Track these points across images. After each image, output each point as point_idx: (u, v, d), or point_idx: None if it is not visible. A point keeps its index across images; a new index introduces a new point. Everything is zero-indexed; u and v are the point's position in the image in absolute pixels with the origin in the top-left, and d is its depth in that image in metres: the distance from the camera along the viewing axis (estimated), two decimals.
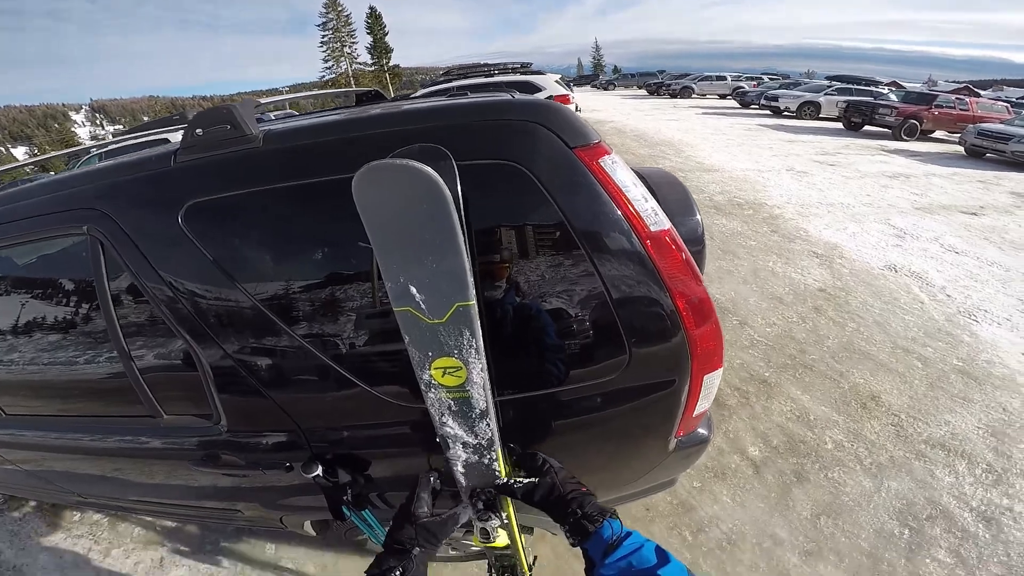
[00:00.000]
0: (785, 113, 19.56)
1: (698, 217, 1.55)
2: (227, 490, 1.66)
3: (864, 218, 6.38)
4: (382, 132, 1.12)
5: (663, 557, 0.82)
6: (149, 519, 2.57)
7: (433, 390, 0.99)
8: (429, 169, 0.80)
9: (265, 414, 1.33)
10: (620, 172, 1.10)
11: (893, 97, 17.18)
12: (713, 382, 1.30)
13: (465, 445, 1.06)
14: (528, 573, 1.52)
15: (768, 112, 20.57)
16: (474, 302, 0.88)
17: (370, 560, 2.20)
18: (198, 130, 1.16)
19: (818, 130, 15.62)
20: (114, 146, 5.56)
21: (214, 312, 1.22)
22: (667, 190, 1.58)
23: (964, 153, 11.85)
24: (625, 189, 1.08)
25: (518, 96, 1.37)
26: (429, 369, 0.96)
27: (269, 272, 1.20)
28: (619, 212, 1.07)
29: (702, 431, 1.53)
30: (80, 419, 1.63)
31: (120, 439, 1.58)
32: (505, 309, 1.14)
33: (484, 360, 0.95)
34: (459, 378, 0.96)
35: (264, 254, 1.20)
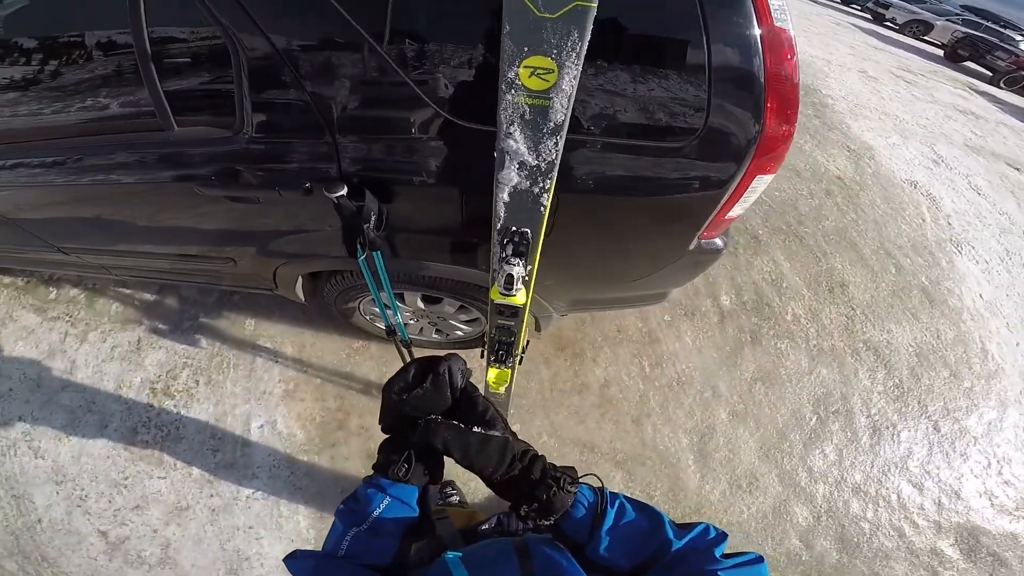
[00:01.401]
0: (888, 23, 17.23)
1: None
2: (227, 231, 1.58)
3: (911, 135, 6.13)
4: None
5: (649, 512, 0.71)
6: (127, 292, 2.44)
7: (513, 91, 0.90)
8: None
9: (300, 118, 1.21)
10: None
11: (1023, 46, 15.19)
12: (759, 187, 1.29)
13: (522, 166, 0.98)
14: (520, 355, 1.52)
15: (868, 16, 18.06)
16: (595, 5, 0.80)
17: (345, 342, 2.14)
18: None
19: (914, 49, 14.00)
20: None
21: (267, 5, 1.11)
22: None
23: None
24: None
25: None
26: (518, 66, 0.87)
27: None
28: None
29: (719, 241, 1.53)
30: (76, 141, 1.41)
31: (116, 160, 1.40)
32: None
33: (579, 70, 0.87)
34: (547, 81, 0.88)
35: None
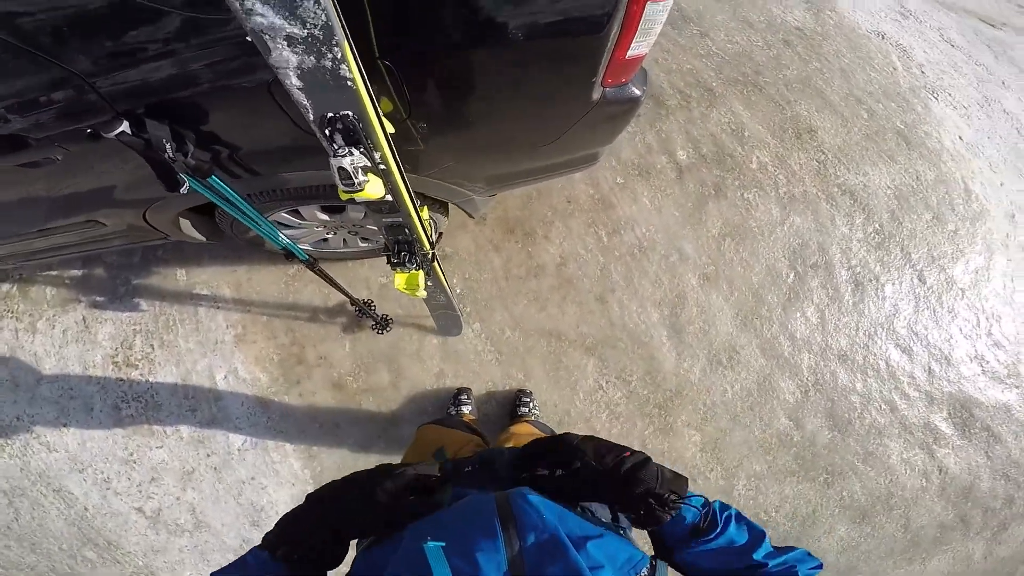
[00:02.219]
0: None
1: None
2: (62, 198, 1.42)
3: None
4: None
5: (751, 531, 0.70)
6: (55, 273, 2.39)
7: None
8: None
9: (33, 65, 0.96)
10: None
11: None
12: (657, 17, 1.08)
13: (291, 41, 0.75)
14: (430, 252, 1.38)
15: None
16: None
17: (281, 269, 2.13)
18: None
19: None
20: None
21: None
22: None
23: None
24: None
25: None
26: None
27: None
28: None
29: (634, 89, 1.34)
30: None
31: None
32: None
33: None
34: None
35: None
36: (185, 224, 1.70)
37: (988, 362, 2.65)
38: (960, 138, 3.60)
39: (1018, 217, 3.25)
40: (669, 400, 2.21)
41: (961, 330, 2.69)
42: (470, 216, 1.92)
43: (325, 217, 1.74)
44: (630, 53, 1.15)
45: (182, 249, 2.33)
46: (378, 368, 2.22)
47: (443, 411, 2.15)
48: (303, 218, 1.74)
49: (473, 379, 2.23)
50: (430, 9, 0.96)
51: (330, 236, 1.94)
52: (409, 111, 1.16)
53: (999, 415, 2.53)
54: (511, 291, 2.26)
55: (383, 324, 2.16)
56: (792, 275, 2.49)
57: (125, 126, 1.02)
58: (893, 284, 2.65)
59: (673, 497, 0.69)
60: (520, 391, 2.18)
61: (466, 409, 2.08)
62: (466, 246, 2.29)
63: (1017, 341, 2.80)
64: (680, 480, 0.72)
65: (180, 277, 2.32)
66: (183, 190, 1.13)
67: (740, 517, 0.72)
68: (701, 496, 0.73)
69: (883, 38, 4.49)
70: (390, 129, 1.00)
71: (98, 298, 2.34)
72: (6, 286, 2.41)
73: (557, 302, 2.26)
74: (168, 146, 1.05)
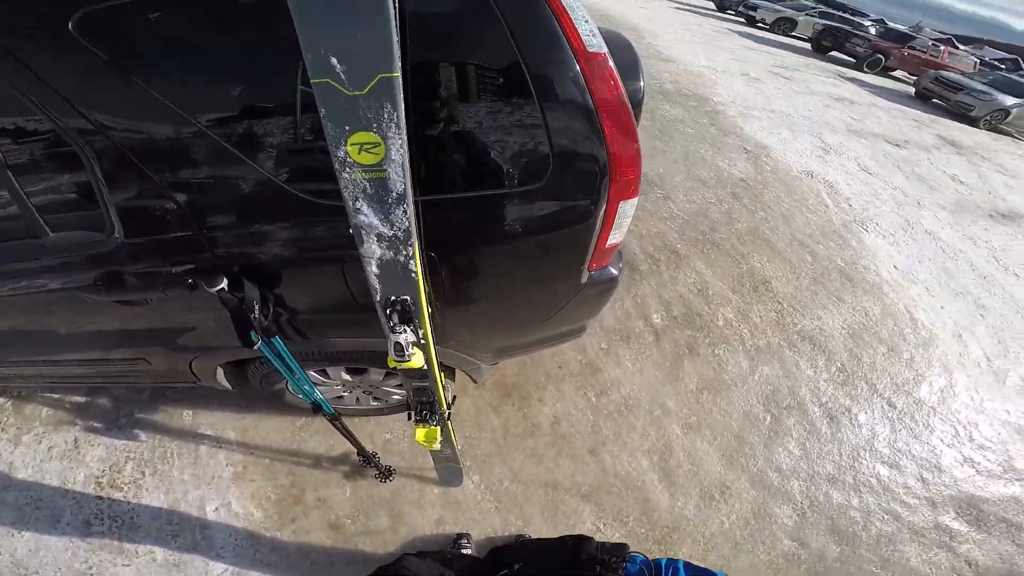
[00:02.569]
0: (759, 24, 18.96)
1: (641, 84, 1.59)
2: (129, 332, 1.54)
3: (799, 129, 6.62)
4: None
5: (704, 573, 0.79)
6: (56, 396, 2.38)
7: (348, 169, 0.92)
8: None
9: (163, 216, 1.20)
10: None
11: (872, 31, 17.30)
12: (627, 211, 1.35)
13: (380, 238, 1.00)
14: (447, 412, 1.55)
15: (743, 20, 19.79)
16: (399, 74, 0.83)
17: (289, 420, 2.15)
18: None
19: (786, 46, 15.53)
20: None
21: (105, 106, 1.10)
22: (618, 51, 1.53)
23: (913, 94, 12.38)
24: (570, 8, 1.10)
25: None
26: (345, 145, 0.89)
27: (164, 60, 1.09)
28: (560, 28, 1.09)
29: (612, 270, 1.60)
30: None
31: (3, 270, 1.38)
32: (439, 105, 1.12)
33: (404, 137, 0.89)
34: (376, 155, 0.90)
35: (164, 50, 1.09)
36: (220, 373, 1.77)
37: (979, 463, 2.75)
38: (895, 267, 3.99)
39: (964, 336, 3.56)
40: (667, 535, 2.19)
41: (943, 440, 2.81)
42: (474, 381, 2.06)
43: (348, 377, 1.88)
44: (609, 242, 1.40)
45: (194, 392, 2.32)
46: (378, 512, 2.16)
47: None
48: (328, 377, 1.87)
49: (473, 525, 2.20)
50: (462, 212, 1.23)
51: (345, 394, 2.06)
52: (443, 294, 1.37)
53: (1011, 506, 2.58)
54: (509, 447, 2.34)
55: (387, 473, 2.18)
56: (768, 417, 2.61)
57: (225, 283, 1.17)
58: (865, 413, 2.80)
59: (615, 559, 0.79)
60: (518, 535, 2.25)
61: (466, 552, 2.09)
62: (467, 408, 2.39)
63: (1001, 441, 2.94)
64: (620, 545, 0.83)
65: (186, 417, 2.32)
66: (256, 347, 1.28)
67: (689, 567, 0.79)
68: (643, 555, 0.82)
69: (812, 176, 5.12)
70: (428, 310, 1.19)
71: (95, 424, 2.30)
72: (1, 399, 2.38)
73: (552, 456, 2.34)
74: (256, 306, 1.22)
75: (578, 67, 1.11)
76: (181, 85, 1.10)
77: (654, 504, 2.27)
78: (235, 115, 1.13)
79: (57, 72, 1.07)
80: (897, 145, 7.22)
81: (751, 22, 19.26)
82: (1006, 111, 11.05)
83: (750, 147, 5.53)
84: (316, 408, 1.66)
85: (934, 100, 11.96)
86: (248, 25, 1.08)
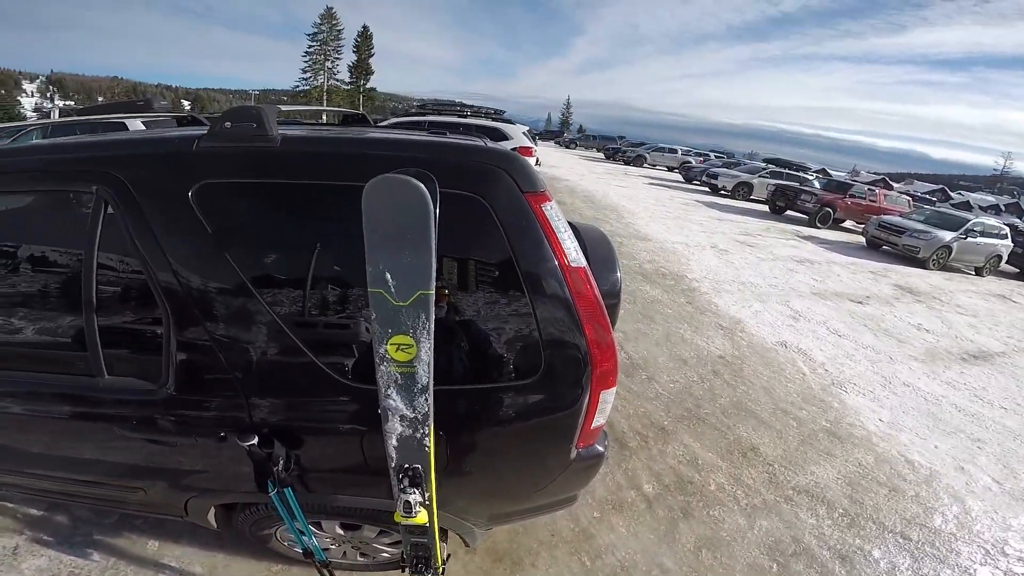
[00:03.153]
0: (722, 192, 20.89)
1: (618, 275, 1.82)
2: (140, 466, 1.65)
3: (768, 298, 7.20)
4: (380, 154, 1.45)
5: None
6: (9, 505, 2.35)
7: (385, 363, 1.17)
8: (422, 186, 1.03)
9: (216, 381, 1.43)
10: (555, 216, 1.41)
11: (817, 184, 18.85)
12: (608, 399, 1.56)
13: (403, 418, 1.23)
14: (441, 567, 1.71)
15: (707, 189, 21.87)
16: (433, 292, 1.11)
17: (264, 565, 2.19)
18: (227, 123, 1.37)
19: (746, 211, 17.11)
20: (59, 124, 5.35)
21: (199, 280, 1.36)
22: (596, 245, 1.84)
23: (865, 244, 13.25)
24: (557, 230, 1.39)
25: (488, 143, 1.65)
26: (386, 344, 1.14)
27: (259, 253, 1.41)
28: (549, 246, 1.37)
29: (599, 447, 1.75)
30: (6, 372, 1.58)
31: (44, 398, 1.56)
32: (452, 311, 1.40)
33: (431, 341, 1.14)
34: (409, 354, 1.15)
35: (259, 237, 1.42)
36: (212, 513, 1.83)
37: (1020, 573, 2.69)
38: (880, 420, 4.15)
39: (967, 468, 3.60)
40: None
41: (974, 560, 2.73)
42: (466, 544, 2.09)
43: (340, 532, 1.94)
44: (594, 425, 1.58)
45: (164, 524, 2.30)
46: None
47: None
48: (322, 529, 1.92)
49: None
50: (469, 400, 1.47)
51: (333, 547, 2.08)
52: (447, 464, 1.50)
53: None
54: None
55: None
56: (775, 566, 2.55)
57: (256, 440, 1.34)
58: (880, 548, 2.74)
59: None
60: None
61: None
62: (456, 571, 2.34)
63: None
64: None
65: (150, 547, 2.24)
66: (271, 494, 1.42)
67: None
68: None
69: (786, 347, 5.49)
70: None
71: (45, 536, 2.20)
72: None
73: None
74: (281, 462, 1.39)
75: (562, 276, 1.37)
76: (256, 262, 1.39)
77: None
78: (301, 310, 1.40)
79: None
80: (860, 303, 7.78)
81: (714, 190, 21.27)
82: (948, 248, 11.70)
83: (725, 323, 5.98)
84: (308, 554, 1.75)
85: (884, 248, 12.66)
86: (328, 230, 1.41)
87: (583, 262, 1.43)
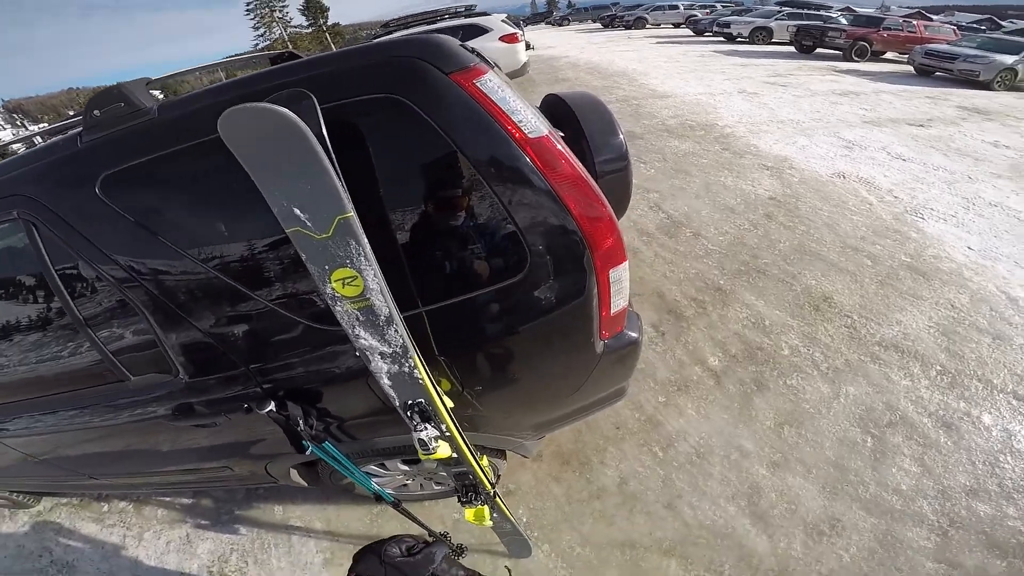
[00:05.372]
0: (739, 39, 19.22)
1: (621, 137, 1.66)
2: (210, 447, 1.79)
3: (813, 132, 6.41)
4: (265, 87, 1.21)
5: None
6: (168, 499, 2.72)
7: (339, 303, 1.09)
8: (280, 108, 0.92)
9: (216, 361, 1.45)
10: (495, 88, 1.21)
11: (843, 21, 17.22)
12: (621, 277, 1.39)
13: (383, 355, 1.17)
14: (491, 490, 1.66)
15: (722, 39, 20.11)
16: (352, 214, 0.99)
17: (366, 508, 2.29)
18: (95, 111, 1.28)
19: (772, 54, 15.52)
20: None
21: (145, 268, 1.33)
22: (590, 112, 1.70)
23: (914, 72, 12.04)
24: (501, 102, 1.19)
25: (460, 41, 1.43)
26: (330, 282, 1.06)
27: (189, 225, 1.32)
28: (497, 123, 1.18)
29: (630, 333, 1.61)
30: (63, 396, 1.71)
31: (101, 409, 1.67)
32: (411, 228, 1.25)
33: (375, 267, 1.04)
34: (357, 287, 1.06)
35: (177, 209, 1.32)
36: (294, 473, 1.99)
37: None
38: (969, 248, 3.61)
39: None
40: None
41: None
42: (524, 457, 2.15)
43: (405, 468, 2.05)
44: (614, 310, 1.45)
45: (281, 490, 2.57)
46: None
47: None
48: (388, 469, 2.05)
49: None
50: (459, 316, 1.34)
51: (409, 482, 2.22)
52: (461, 386, 1.50)
53: None
54: (575, 513, 2.24)
55: (458, 551, 2.16)
56: (870, 439, 2.29)
57: (272, 405, 1.38)
58: (990, 413, 2.40)
59: None
60: None
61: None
62: (527, 481, 2.34)
63: None
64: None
65: (277, 512, 2.52)
66: (308, 452, 1.48)
67: None
68: None
69: (844, 177, 4.84)
70: (450, 404, 1.36)
71: (202, 521, 2.58)
72: (123, 504, 2.76)
73: (624, 516, 2.20)
74: (301, 421, 1.43)
75: (523, 153, 1.19)
76: (190, 235, 1.31)
77: (751, 549, 2.03)
78: (255, 268, 1.32)
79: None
80: (921, 125, 6.87)
81: (730, 39, 19.56)
82: (1013, 71, 10.62)
83: (769, 163, 5.35)
84: (378, 498, 1.81)
85: (937, 73, 11.59)
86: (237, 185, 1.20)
87: (543, 130, 1.25)
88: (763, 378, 2.61)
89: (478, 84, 1.19)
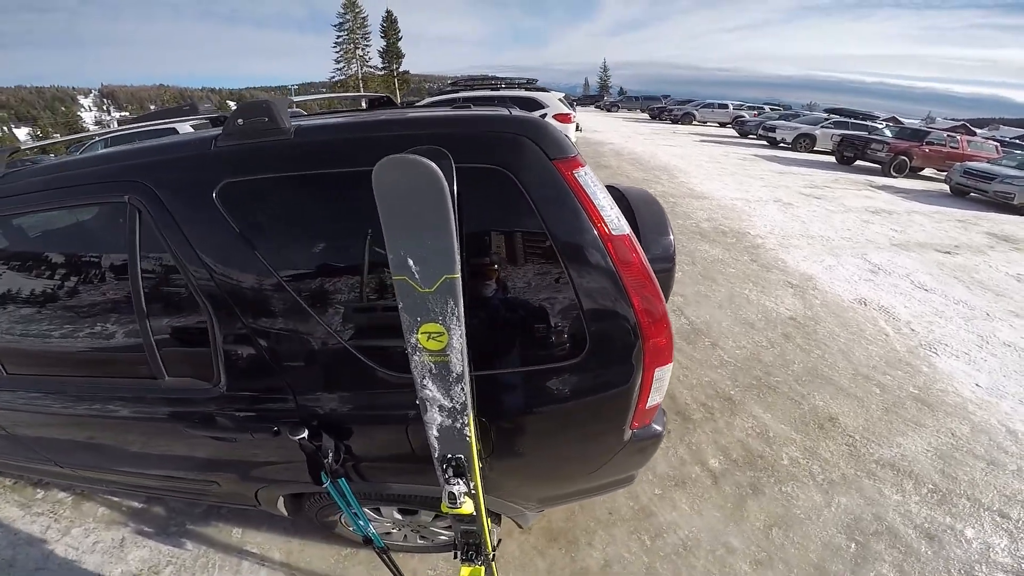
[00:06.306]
0: (781, 144, 19.58)
1: (671, 238, 1.73)
2: (210, 460, 1.76)
3: (841, 251, 6.61)
4: (395, 134, 1.34)
5: None
6: (115, 499, 2.59)
7: (418, 353, 1.15)
8: (434, 165, 0.97)
9: (264, 378, 1.47)
10: (590, 182, 1.31)
11: (888, 132, 17.20)
12: (664, 376, 1.47)
13: (441, 408, 1.22)
14: (491, 552, 1.68)
15: (765, 143, 20.59)
16: (459, 276, 1.05)
17: (335, 549, 2.25)
18: (239, 120, 1.36)
19: (811, 163, 15.89)
20: (118, 134, 5.73)
21: (234, 279, 1.39)
22: (645, 209, 1.77)
23: (949, 191, 12.07)
24: (593, 196, 1.30)
25: (516, 112, 1.54)
26: (416, 333, 1.12)
27: (288, 247, 1.39)
28: (586, 215, 1.28)
29: (656, 427, 1.68)
30: (80, 380, 1.72)
31: (117, 401, 1.67)
32: (485, 293, 1.34)
33: (463, 328, 1.10)
34: (441, 343, 1.12)
35: (286, 232, 1.39)
36: (281, 502, 1.92)
37: None
38: (977, 385, 3.71)
39: None
40: None
41: None
42: (519, 526, 2.12)
43: (399, 516, 2.00)
44: (649, 404, 1.51)
45: (248, 513, 2.47)
46: None
47: None
48: (381, 514, 1.99)
49: None
50: (511, 385, 1.42)
51: (394, 531, 2.15)
52: (492, 451, 1.52)
53: None
54: None
55: None
56: (853, 545, 2.36)
57: (305, 433, 1.38)
58: (973, 527, 2.47)
59: None
60: None
61: None
62: (512, 551, 2.34)
63: None
64: None
65: (235, 534, 2.42)
66: (324, 485, 1.47)
67: None
68: None
69: (865, 304, 5.01)
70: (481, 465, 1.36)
71: (146, 528, 2.43)
72: (63, 494, 2.62)
73: None
74: (331, 453, 1.43)
75: (604, 246, 1.29)
76: (286, 257, 1.38)
77: None
78: (339, 307, 1.39)
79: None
80: (948, 252, 7.01)
81: (773, 144, 19.95)
82: None
83: (795, 280, 5.54)
84: (367, 541, 1.78)
85: (971, 194, 11.49)
86: (352, 218, 1.35)
87: (626, 229, 1.34)
88: (760, 483, 2.72)
89: (576, 175, 1.29)
